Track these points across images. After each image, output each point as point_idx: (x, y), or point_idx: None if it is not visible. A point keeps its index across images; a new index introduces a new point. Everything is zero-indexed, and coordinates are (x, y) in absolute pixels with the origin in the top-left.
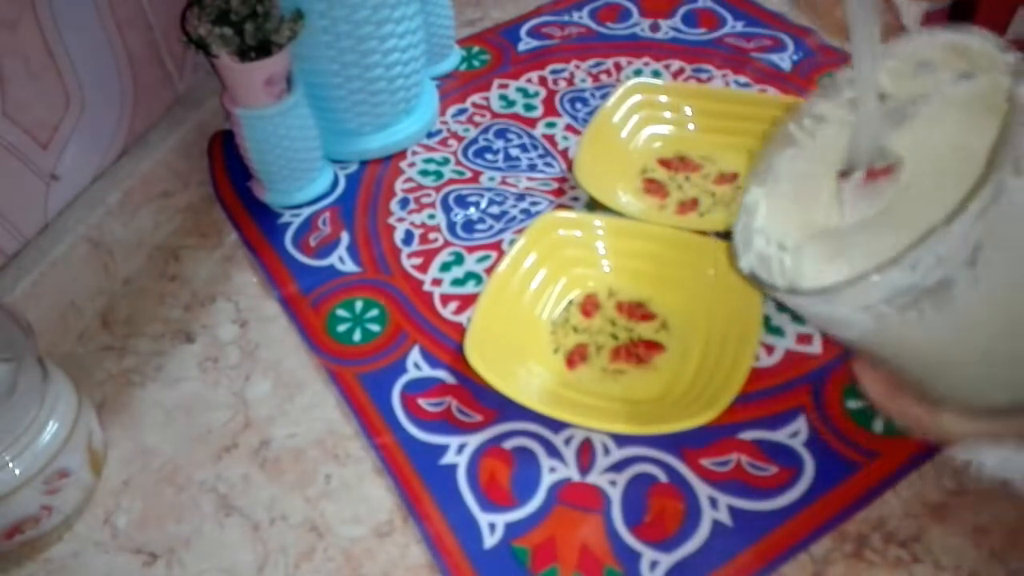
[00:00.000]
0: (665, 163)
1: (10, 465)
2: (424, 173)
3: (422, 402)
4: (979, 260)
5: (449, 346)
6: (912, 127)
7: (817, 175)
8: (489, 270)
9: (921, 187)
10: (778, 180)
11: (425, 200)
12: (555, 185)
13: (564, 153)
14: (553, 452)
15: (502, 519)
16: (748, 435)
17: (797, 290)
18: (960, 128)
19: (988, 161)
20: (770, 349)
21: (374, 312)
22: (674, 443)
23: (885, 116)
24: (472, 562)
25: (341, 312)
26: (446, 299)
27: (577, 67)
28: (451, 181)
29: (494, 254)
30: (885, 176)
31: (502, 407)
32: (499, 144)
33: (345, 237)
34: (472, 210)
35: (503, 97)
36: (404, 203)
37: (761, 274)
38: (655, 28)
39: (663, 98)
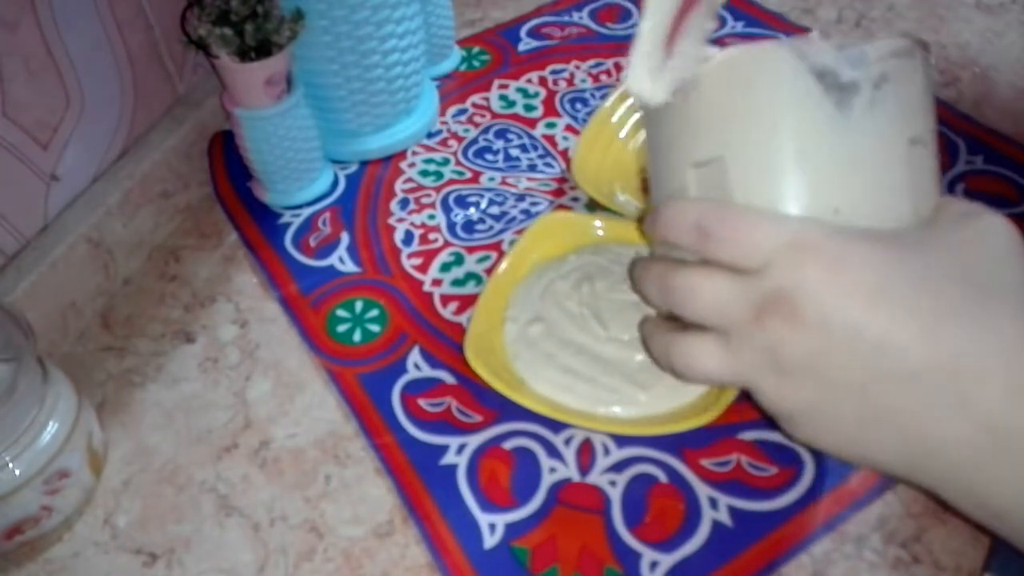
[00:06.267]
0: None
1: (10, 465)
2: (424, 173)
3: (422, 402)
4: (883, 89)
5: (449, 346)
6: None
7: None
8: (489, 270)
9: None
10: None
11: (425, 200)
12: (555, 185)
13: (564, 153)
14: (553, 452)
15: (502, 519)
16: (748, 435)
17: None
18: None
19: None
20: None
21: (374, 312)
22: (674, 443)
23: None
24: (472, 562)
25: (341, 312)
26: (446, 299)
27: (577, 67)
28: (451, 181)
29: (494, 254)
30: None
31: (502, 407)
32: (499, 144)
33: (345, 237)
34: (472, 210)
35: (503, 97)
36: (404, 203)
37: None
38: None
39: None
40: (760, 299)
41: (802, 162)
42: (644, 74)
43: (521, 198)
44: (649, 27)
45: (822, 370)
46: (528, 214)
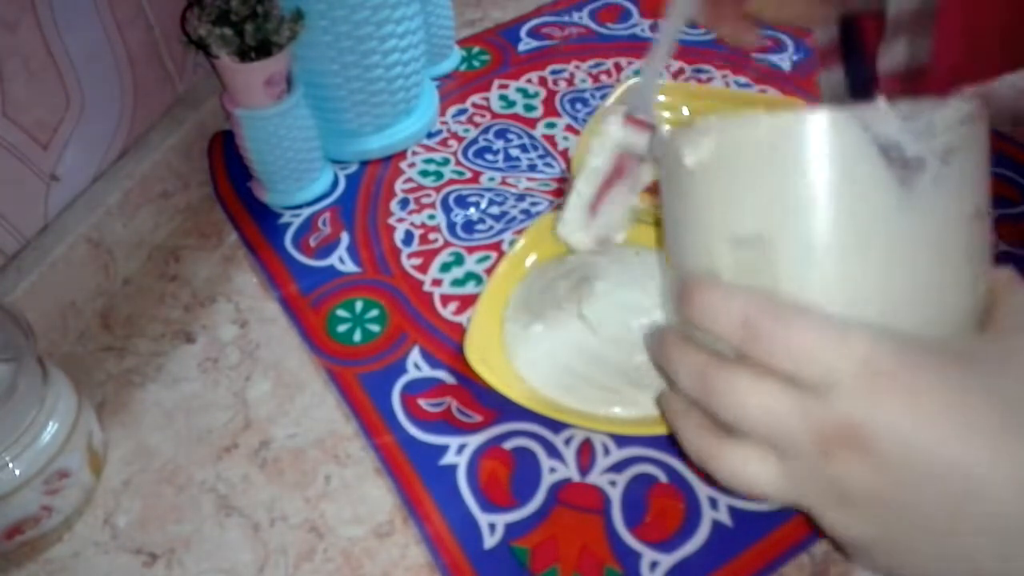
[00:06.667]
0: None
1: (10, 465)
2: (424, 173)
3: (422, 402)
4: (950, 162)
5: (449, 346)
6: None
7: None
8: (489, 270)
9: None
10: None
11: (425, 200)
12: (555, 185)
13: (564, 153)
14: (553, 452)
15: (502, 519)
16: None
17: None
18: None
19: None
20: None
21: (374, 312)
22: (674, 443)
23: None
24: (472, 562)
25: (341, 312)
26: (446, 299)
27: (577, 67)
28: (451, 181)
29: (494, 254)
30: (641, 130)
31: (502, 407)
32: (499, 144)
33: (345, 237)
34: (472, 210)
35: (503, 97)
36: (404, 203)
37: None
38: (655, 28)
39: (662, 98)
40: (826, 426)
41: (864, 249)
42: (574, 226)
43: (521, 198)
44: (579, 191)
45: (898, 506)
46: (528, 214)
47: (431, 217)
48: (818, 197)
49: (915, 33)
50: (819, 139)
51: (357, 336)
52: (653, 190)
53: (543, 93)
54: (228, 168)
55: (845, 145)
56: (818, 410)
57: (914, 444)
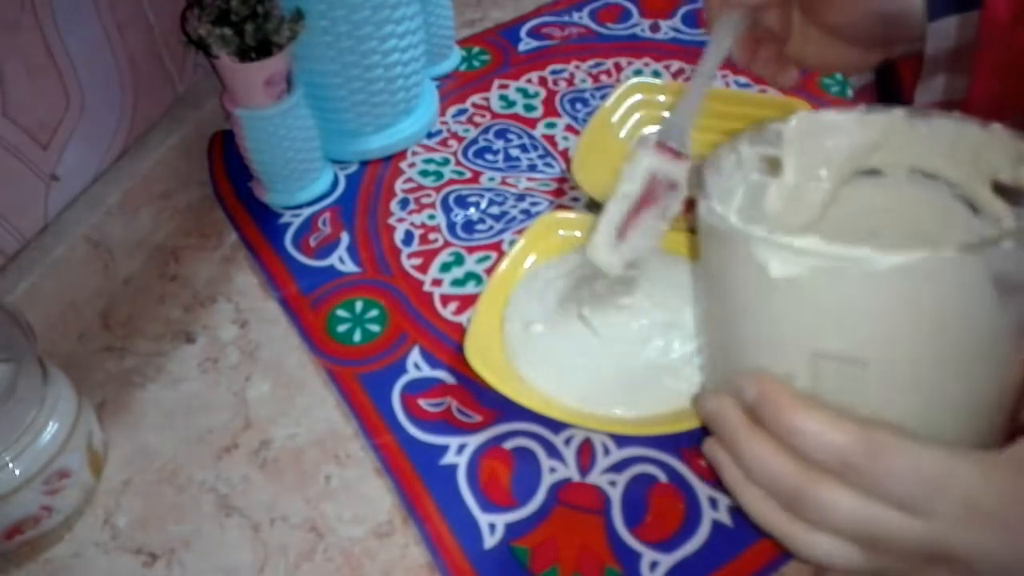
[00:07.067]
0: None
1: (10, 465)
2: (424, 173)
3: (422, 402)
4: None
5: (449, 346)
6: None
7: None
8: (489, 270)
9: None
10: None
11: (425, 200)
12: (555, 185)
13: (564, 153)
14: (553, 452)
15: (502, 519)
16: None
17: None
18: None
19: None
20: None
21: (374, 312)
22: (674, 443)
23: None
24: (472, 562)
25: (341, 312)
26: (446, 299)
27: (577, 67)
28: (451, 181)
29: (494, 255)
30: (673, 159)
31: (502, 407)
32: (499, 144)
33: (345, 237)
34: (472, 210)
35: (503, 97)
36: (404, 203)
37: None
38: (655, 28)
39: (662, 98)
40: (923, 546)
41: (965, 374)
42: (604, 250)
43: (521, 198)
44: (609, 216)
45: None
46: (528, 214)
47: (431, 217)
48: (925, 327)
49: (952, 70)
50: (939, 280)
51: (357, 336)
52: (688, 207)
53: (543, 93)
54: (228, 168)
55: (965, 285)
56: (916, 530)
57: (1009, 567)
